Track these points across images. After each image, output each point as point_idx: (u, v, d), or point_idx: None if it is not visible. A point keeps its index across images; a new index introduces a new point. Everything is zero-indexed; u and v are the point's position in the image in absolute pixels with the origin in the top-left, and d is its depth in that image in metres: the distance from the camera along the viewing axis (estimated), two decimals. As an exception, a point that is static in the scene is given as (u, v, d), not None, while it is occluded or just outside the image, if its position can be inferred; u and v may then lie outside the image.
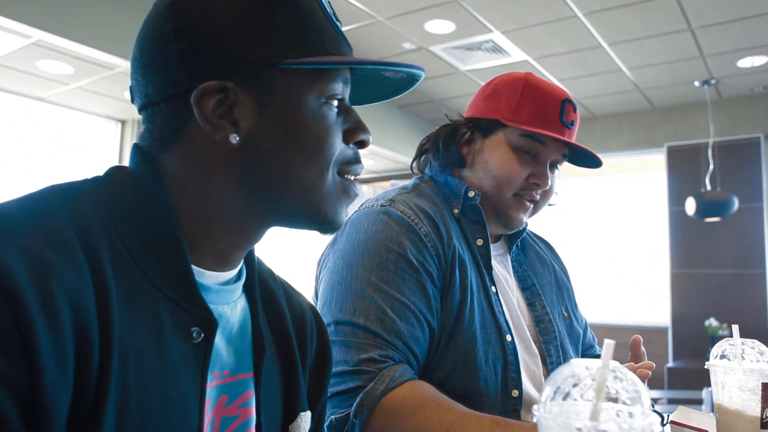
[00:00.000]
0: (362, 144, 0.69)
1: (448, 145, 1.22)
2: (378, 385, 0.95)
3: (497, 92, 1.21)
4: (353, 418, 0.95)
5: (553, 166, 1.21)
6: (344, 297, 1.03)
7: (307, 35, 0.61)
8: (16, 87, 4.27)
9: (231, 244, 0.64)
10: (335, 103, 0.65)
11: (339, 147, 0.65)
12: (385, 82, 0.71)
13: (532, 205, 1.20)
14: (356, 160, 0.68)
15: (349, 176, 0.67)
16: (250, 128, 0.60)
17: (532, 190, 1.18)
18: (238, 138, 0.60)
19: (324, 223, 0.65)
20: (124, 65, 3.57)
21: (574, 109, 1.18)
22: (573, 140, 1.19)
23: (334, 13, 0.67)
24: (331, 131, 0.64)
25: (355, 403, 0.95)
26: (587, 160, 1.24)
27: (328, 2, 0.66)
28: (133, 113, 4.73)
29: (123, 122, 5.08)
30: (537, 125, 1.15)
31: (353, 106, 0.72)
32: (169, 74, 0.61)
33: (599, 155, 1.24)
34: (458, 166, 1.23)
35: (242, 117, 0.60)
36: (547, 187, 1.19)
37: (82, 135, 4.81)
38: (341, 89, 0.65)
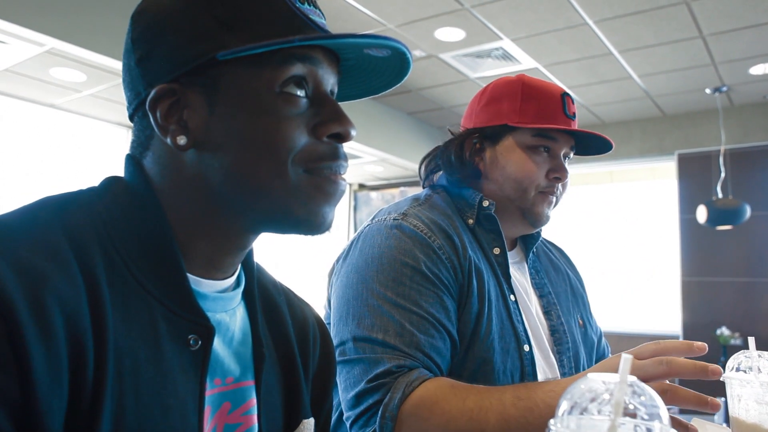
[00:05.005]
0: (339, 138, 0.62)
1: (461, 158, 1.20)
2: (395, 394, 0.94)
3: (496, 98, 1.21)
4: None
5: (565, 158, 1.22)
6: (361, 313, 1.02)
7: (252, 23, 0.58)
8: (30, 94, 4.30)
9: (217, 250, 0.63)
10: (298, 91, 0.60)
11: (300, 141, 0.59)
12: (379, 67, 0.67)
13: (554, 199, 1.22)
14: (331, 156, 0.62)
15: (323, 174, 0.61)
16: (199, 128, 0.59)
17: (554, 185, 1.19)
18: (185, 139, 0.59)
19: (299, 224, 0.61)
20: (136, 73, 3.59)
21: (572, 101, 1.21)
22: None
23: None
24: (286, 124, 0.59)
25: (378, 419, 0.94)
26: (594, 147, 1.26)
27: None
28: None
29: (134, 129, 5.11)
30: (545, 122, 1.16)
31: (353, 101, 0.70)
32: (134, 84, 0.62)
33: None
34: (476, 178, 1.21)
35: (191, 117, 0.59)
36: (566, 179, 1.21)
37: (93, 141, 4.85)
38: (306, 72, 0.60)
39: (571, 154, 1.24)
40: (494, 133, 1.20)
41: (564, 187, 1.23)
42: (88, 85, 4.10)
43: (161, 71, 0.59)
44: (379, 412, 0.94)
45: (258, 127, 0.58)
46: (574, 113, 1.19)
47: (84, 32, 3.25)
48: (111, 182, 0.63)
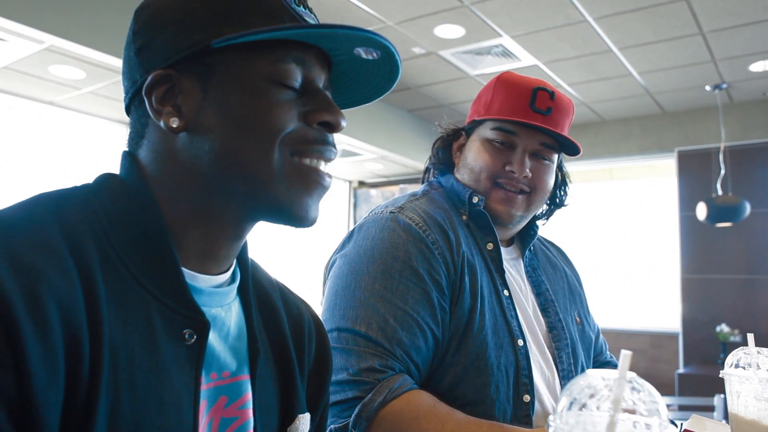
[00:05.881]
0: (329, 126, 0.64)
1: (438, 151, 1.29)
2: (376, 397, 0.95)
3: (479, 96, 1.25)
4: (352, 429, 0.96)
5: (537, 156, 1.18)
6: (347, 304, 1.03)
7: (247, 18, 0.61)
8: (29, 92, 4.30)
9: (211, 240, 0.64)
10: (291, 84, 0.62)
11: (289, 124, 0.61)
12: (369, 73, 0.68)
13: (522, 197, 1.18)
14: (320, 140, 0.63)
15: (309, 159, 0.63)
16: (193, 112, 0.61)
17: (510, 179, 1.16)
18: (178, 121, 0.61)
19: (281, 212, 0.62)
20: (136, 70, 3.59)
21: (551, 97, 1.16)
22: (553, 127, 1.15)
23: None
24: (277, 106, 0.60)
25: (353, 414, 0.96)
26: (570, 147, 1.22)
27: None
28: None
29: (134, 126, 5.09)
30: (504, 115, 1.16)
31: (349, 109, 0.72)
32: (132, 74, 0.64)
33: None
34: (449, 168, 1.28)
35: (185, 102, 0.61)
36: (527, 174, 1.16)
37: (93, 139, 4.84)
38: (296, 72, 0.62)
39: (549, 153, 1.19)
40: (469, 129, 1.25)
41: (538, 188, 1.18)
42: (87, 82, 4.09)
43: (158, 59, 0.61)
44: (357, 409, 0.96)
45: (250, 108, 0.60)
46: (548, 108, 1.15)
47: (83, 29, 3.25)
48: (106, 179, 0.64)
